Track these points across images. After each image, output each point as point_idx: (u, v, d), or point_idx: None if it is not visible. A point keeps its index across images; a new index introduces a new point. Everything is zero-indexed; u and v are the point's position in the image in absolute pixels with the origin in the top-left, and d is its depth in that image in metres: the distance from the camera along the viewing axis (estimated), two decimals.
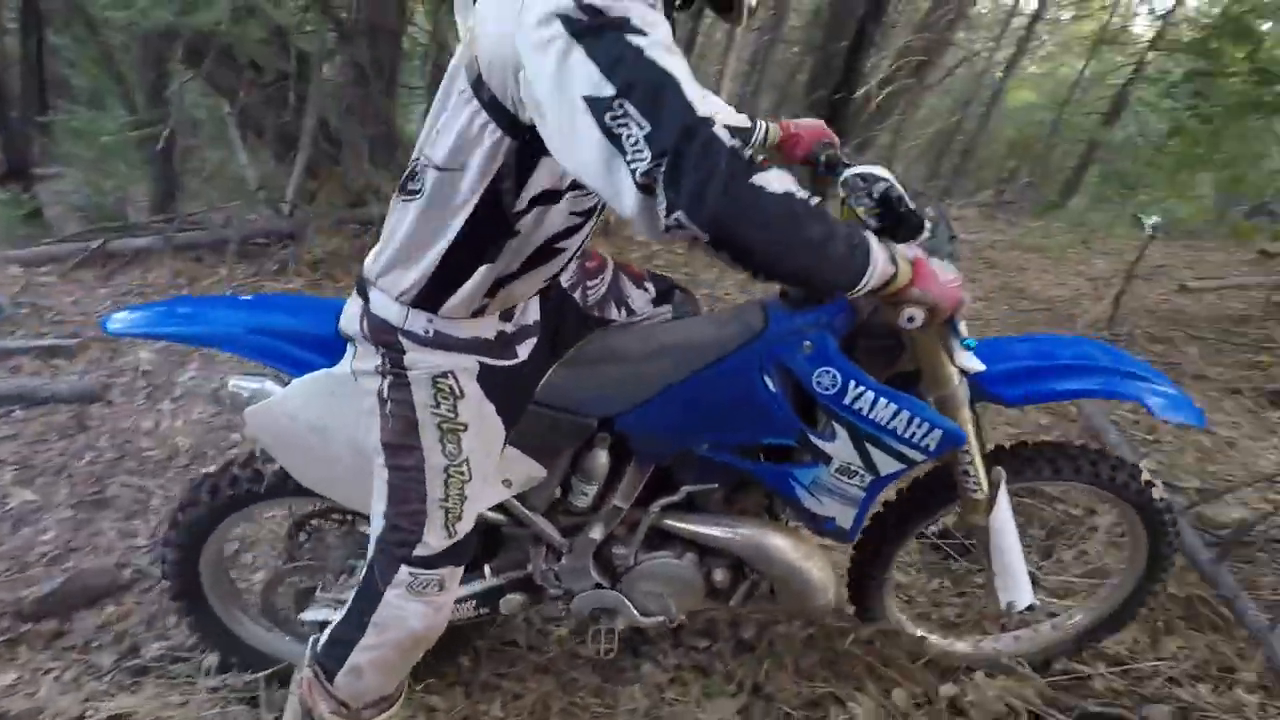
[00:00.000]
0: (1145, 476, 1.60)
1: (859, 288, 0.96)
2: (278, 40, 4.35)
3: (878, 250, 0.96)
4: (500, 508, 1.51)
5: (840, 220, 0.91)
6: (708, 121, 0.80)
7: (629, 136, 0.81)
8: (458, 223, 1.10)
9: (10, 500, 2.56)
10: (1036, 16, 12.60)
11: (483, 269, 1.14)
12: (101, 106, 7.87)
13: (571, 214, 1.15)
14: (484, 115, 1.01)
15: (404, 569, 1.30)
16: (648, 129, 0.80)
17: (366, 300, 1.23)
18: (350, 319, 1.27)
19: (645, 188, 0.81)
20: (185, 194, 7.39)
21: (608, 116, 0.81)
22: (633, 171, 0.81)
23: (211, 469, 1.66)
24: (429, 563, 1.30)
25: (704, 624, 1.98)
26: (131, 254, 5.13)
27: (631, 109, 0.80)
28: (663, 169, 0.79)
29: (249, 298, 1.81)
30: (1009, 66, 12.77)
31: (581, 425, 1.45)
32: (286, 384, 1.46)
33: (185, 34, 3.81)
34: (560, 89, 0.84)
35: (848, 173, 1.43)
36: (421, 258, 1.14)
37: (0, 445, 2.86)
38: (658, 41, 0.83)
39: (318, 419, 1.40)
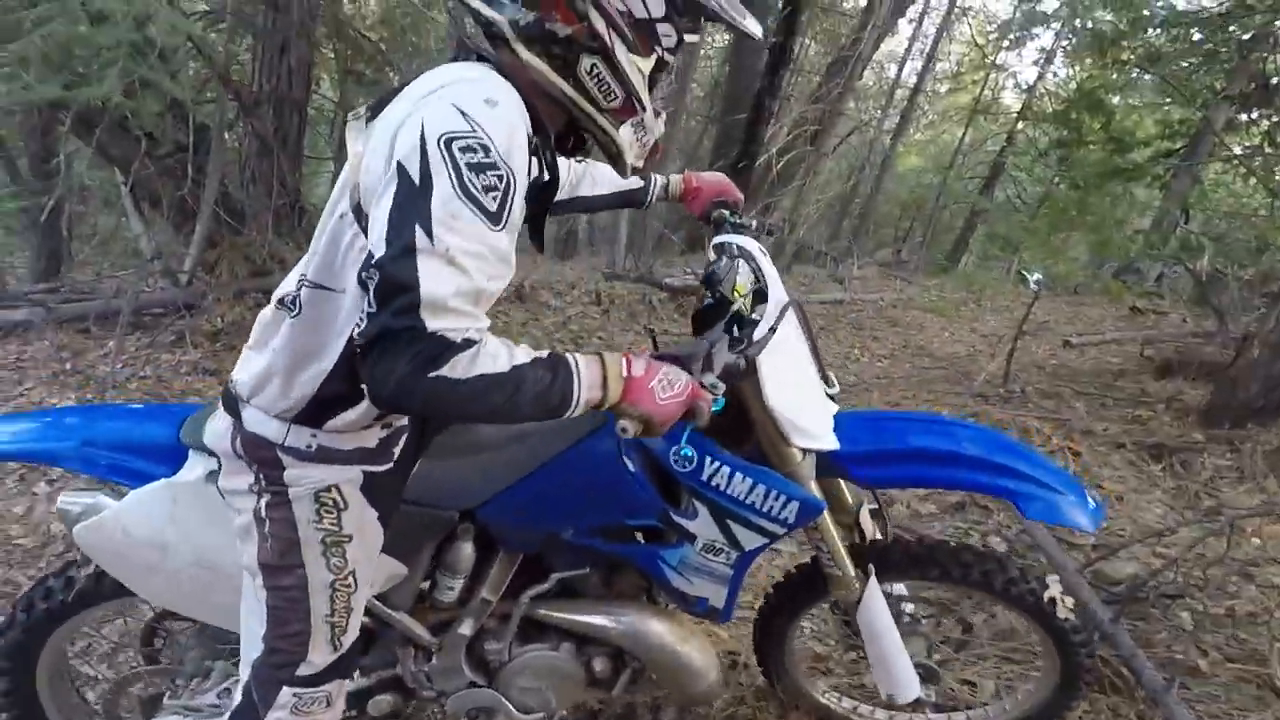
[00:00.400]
0: (1050, 593, 1.51)
1: (564, 417, 1.03)
2: (175, 112, 4.21)
3: (585, 381, 1.02)
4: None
5: (542, 365, 0.99)
6: (413, 330, 0.88)
7: (364, 299, 0.91)
8: (337, 347, 1.08)
9: None
10: (917, 89, 13.68)
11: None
12: None
13: None
14: (362, 239, 1.01)
15: (286, 691, 1.23)
16: (374, 309, 0.90)
17: (238, 417, 1.16)
18: (218, 436, 1.19)
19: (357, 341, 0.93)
20: (73, 262, 6.96)
21: (363, 273, 0.91)
22: (358, 326, 0.92)
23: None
24: (313, 681, 1.24)
25: (623, 708, 1.93)
26: (9, 326, 4.77)
27: (374, 285, 0.89)
28: (361, 344, 0.91)
29: (88, 406, 1.72)
30: (896, 134, 13.74)
31: (442, 519, 1.41)
32: (122, 497, 1.39)
33: (75, 105, 3.62)
34: (372, 222, 0.94)
35: (718, 239, 1.48)
36: (299, 378, 1.10)
37: None
38: (442, 252, 0.89)
39: (157, 533, 1.34)
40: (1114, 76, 6.45)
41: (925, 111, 16.26)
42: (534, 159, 1.05)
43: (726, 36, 13.17)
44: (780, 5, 7.42)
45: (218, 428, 1.20)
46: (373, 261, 0.90)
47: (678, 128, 11.26)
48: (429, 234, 0.88)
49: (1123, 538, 2.57)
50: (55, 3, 3.24)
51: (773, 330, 1.28)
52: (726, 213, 1.64)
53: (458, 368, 0.91)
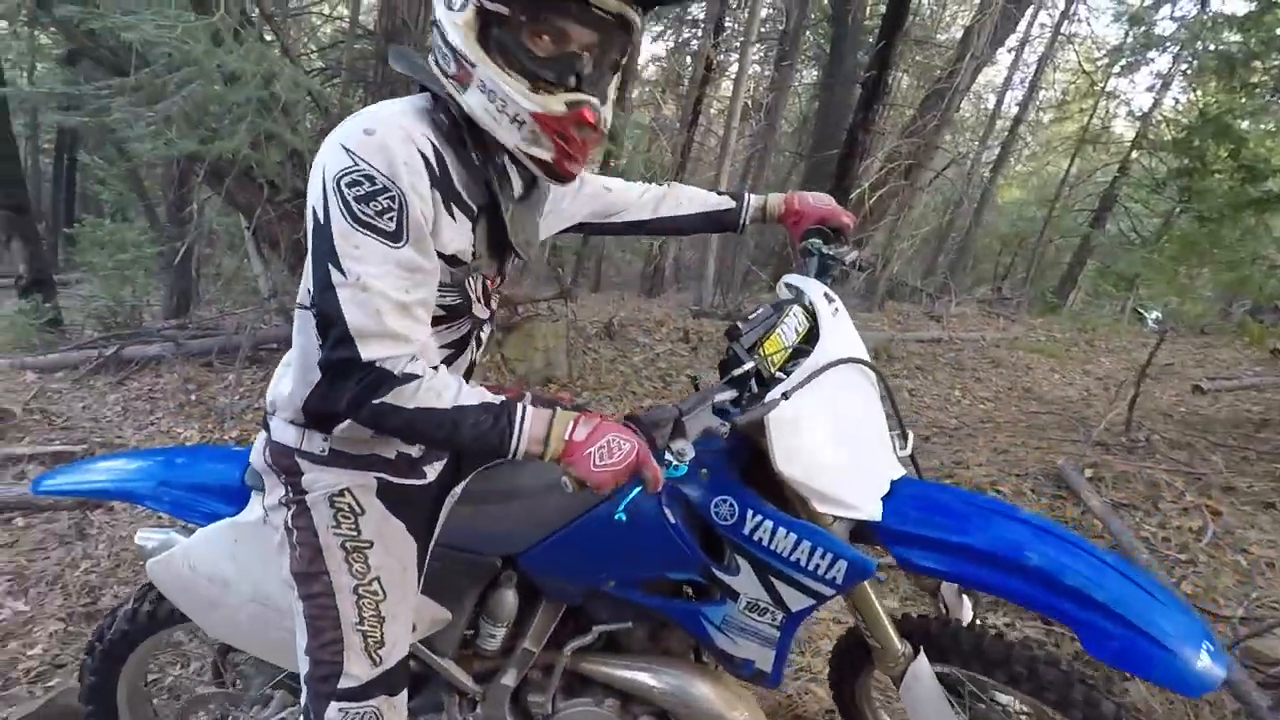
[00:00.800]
0: None
1: (506, 458, 1.06)
2: (294, 161, 4.52)
3: (527, 435, 1.04)
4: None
5: (487, 410, 1.02)
6: (350, 360, 0.98)
7: (314, 334, 1.03)
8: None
9: (1, 611, 2.49)
10: (1019, 119, 13.16)
11: None
12: (125, 218, 8.18)
13: (441, 347, 1.20)
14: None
15: (333, 706, 1.23)
16: (321, 342, 1.01)
17: (269, 430, 1.24)
18: (257, 452, 1.27)
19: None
20: (200, 300, 7.56)
21: (311, 309, 1.02)
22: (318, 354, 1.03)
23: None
24: (357, 695, 1.23)
25: None
26: (145, 360, 5.20)
27: (316, 320, 1.01)
28: (320, 372, 1.03)
29: (167, 449, 1.83)
30: (996, 167, 13.23)
31: (484, 564, 1.40)
32: (192, 534, 1.46)
33: (209, 158, 3.94)
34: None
35: (787, 278, 1.41)
36: (303, 390, 1.17)
37: None
38: (354, 282, 0.98)
39: (218, 570, 1.41)
40: (1243, 100, 6.01)
41: (1027, 142, 15.59)
42: (463, 177, 1.09)
43: (815, 72, 13.12)
44: (873, 39, 7.35)
45: (258, 445, 1.28)
46: (308, 305, 1.01)
47: (766, 164, 11.25)
48: (340, 269, 0.98)
49: (1277, 610, 2.29)
50: (194, 66, 3.55)
51: (785, 396, 1.20)
52: (819, 242, 1.54)
53: (401, 397, 0.99)
